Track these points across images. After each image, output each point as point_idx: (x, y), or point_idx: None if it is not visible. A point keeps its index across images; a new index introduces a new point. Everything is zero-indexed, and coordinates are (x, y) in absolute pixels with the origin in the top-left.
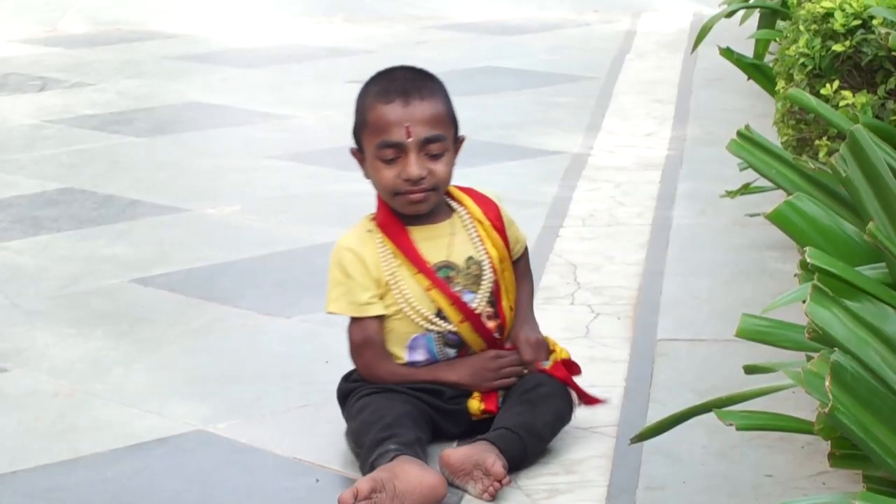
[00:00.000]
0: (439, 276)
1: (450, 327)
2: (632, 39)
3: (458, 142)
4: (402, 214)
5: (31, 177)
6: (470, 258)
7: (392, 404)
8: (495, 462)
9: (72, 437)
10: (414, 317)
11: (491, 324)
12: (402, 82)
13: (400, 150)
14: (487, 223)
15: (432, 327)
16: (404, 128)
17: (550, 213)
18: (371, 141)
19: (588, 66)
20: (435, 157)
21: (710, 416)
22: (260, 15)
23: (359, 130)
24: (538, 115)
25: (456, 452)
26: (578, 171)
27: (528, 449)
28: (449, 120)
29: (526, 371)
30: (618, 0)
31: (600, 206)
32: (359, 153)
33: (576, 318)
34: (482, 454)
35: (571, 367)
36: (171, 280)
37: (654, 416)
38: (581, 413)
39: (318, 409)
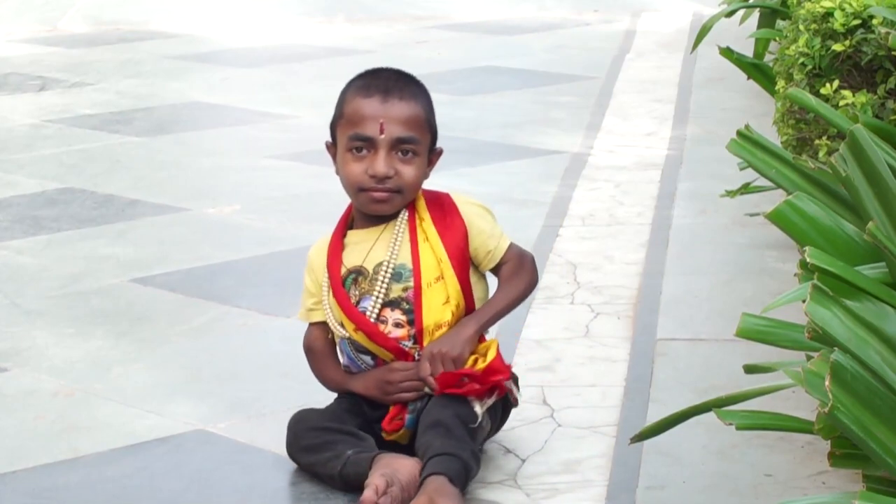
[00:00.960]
0: (344, 283)
1: (347, 335)
2: (632, 39)
3: (433, 152)
4: (358, 217)
5: (31, 177)
6: (380, 264)
7: (308, 415)
8: None
9: (72, 437)
10: (330, 323)
11: (399, 332)
12: (386, 81)
13: (371, 145)
14: (432, 229)
15: (340, 334)
16: (379, 123)
17: (550, 212)
18: (344, 133)
19: (588, 65)
20: (405, 159)
21: (710, 416)
22: (260, 15)
23: (335, 123)
24: (538, 115)
25: None
26: (578, 170)
27: (468, 463)
28: (426, 126)
29: (426, 388)
30: (618, 0)
31: (600, 206)
32: (332, 147)
33: (576, 318)
34: (433, 500)
35: (476, 378)
36: (171, 279)
37: (654, 415)
38: (581, 413)
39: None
